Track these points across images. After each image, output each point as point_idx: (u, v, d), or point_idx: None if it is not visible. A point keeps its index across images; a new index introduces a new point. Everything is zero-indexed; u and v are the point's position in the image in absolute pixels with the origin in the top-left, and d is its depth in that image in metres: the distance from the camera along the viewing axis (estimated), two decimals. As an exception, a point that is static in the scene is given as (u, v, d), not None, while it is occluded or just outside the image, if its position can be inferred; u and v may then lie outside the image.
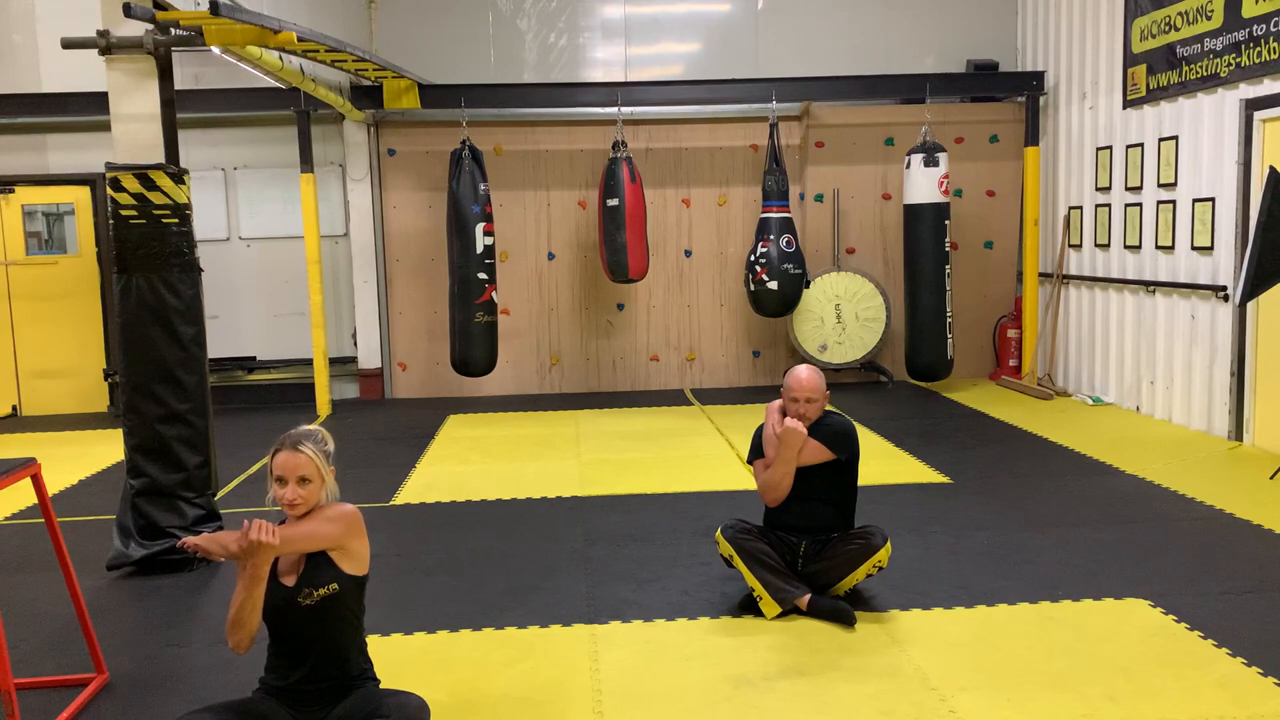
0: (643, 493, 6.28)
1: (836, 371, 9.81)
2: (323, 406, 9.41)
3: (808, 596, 4.20)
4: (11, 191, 9.51)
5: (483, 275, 8.60)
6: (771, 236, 9.09)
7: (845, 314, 9.69)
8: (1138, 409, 8.24)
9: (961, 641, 3.96)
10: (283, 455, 3.00)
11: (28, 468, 3.50)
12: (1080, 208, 9.05)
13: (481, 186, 8.60)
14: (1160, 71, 7.78)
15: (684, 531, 5.43)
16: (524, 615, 4.35)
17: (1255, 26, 6.70)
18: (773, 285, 9.12)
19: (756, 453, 4.45)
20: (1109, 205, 8.55)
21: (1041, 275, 9.65)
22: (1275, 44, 6.51)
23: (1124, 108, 8.30)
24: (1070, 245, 9.22)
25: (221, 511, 5.41)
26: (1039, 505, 5.78)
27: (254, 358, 9.92)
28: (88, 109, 8.70)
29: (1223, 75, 7.05)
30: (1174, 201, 7.65)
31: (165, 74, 5.18)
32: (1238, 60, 6.88)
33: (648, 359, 10.18)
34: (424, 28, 9.85)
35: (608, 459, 7.21)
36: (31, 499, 6.20)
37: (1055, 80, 9.39)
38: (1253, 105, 6.83)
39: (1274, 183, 5.83)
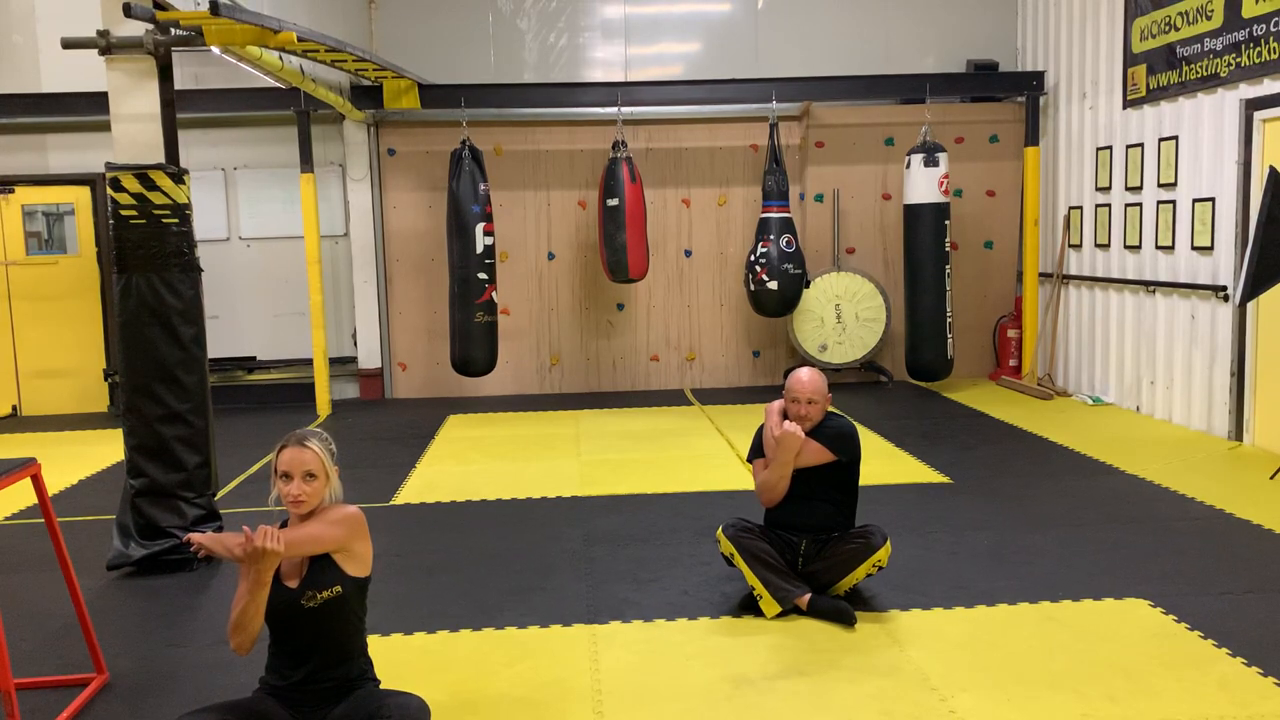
0: (643, 493, 6.28)
1: (836, 371, 9.81)
2: (323, 406, 9.41)
3: (808, 596, 4.20)
4: (11, 191, 9.51)
5: (483, 275, 8.60)
6: (771, 236, 9.09)
7: (845, 314, 9.69)
8: (1138, 409, 8.24)
9: (961, 641, 3.96)
10: (289, 451, 3.01)
11: (28, 468, 3.50)
12: (1080, 208, 9.05)
13: (481, 186, 8.60)
14: (1160, 71, 7.78)
15: (684, 531, 5.43)
16: (524, 615, 4.35)
17: (1255, 26, 6.70)
18: (773, 285, 9.12)
19: (757, 452, 4.45)
20: (1109, 205, 8.55)
21: (1041, 275, 9.65)
22: (1275, 44, 6.51)
23: (1124, 108, 8.30)
24: (1070, 245, 9.22)
25: (222, 511, 5.41)
26: (1039, 505, 5.78)
27: (254, 358, 9.92)
28: (88, 109, 8.70)
29: (1223, 75, 7.05)
30: (1174, 201, 7.65)
31: (165, 74, 5.18)
32: (1238, 60, 6.88)
33: (648, 359, 10.18)
34: (424, 28, 9.85)
35: (608, 459, 7.21)
36: (31, 499, 6.20)
37: (1055, 80, 9.39)
38: (1253, 105, 6.83)
39: (1274, 183, 5.82)
